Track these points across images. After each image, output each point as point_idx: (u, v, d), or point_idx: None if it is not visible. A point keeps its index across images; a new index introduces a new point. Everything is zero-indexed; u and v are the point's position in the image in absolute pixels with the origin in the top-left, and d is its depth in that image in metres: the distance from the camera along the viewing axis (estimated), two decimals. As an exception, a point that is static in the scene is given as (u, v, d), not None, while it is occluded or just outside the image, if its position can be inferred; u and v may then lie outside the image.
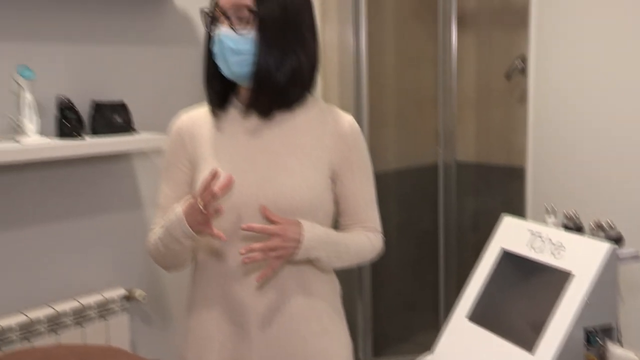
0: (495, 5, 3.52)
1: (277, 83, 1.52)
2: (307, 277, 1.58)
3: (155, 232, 1.60)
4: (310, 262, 1.56)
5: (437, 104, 3.50)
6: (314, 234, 1.50)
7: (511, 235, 1.95)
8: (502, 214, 2.04)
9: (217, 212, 1.44)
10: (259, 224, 1.46)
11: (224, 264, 1.56)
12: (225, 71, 1.53)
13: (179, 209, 1.48)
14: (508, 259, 1.93)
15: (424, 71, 3.56)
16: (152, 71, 2.39)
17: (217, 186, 1.41)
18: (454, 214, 3.54)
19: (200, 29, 2.50)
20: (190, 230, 1.46)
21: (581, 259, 1.71)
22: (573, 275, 1.69)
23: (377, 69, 3.24)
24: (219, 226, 1.51)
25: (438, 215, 3.38)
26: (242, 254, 1.45)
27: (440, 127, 3.26)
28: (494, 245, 1.98)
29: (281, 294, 1.55)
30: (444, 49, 3.29)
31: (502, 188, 3.59)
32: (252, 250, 1.44)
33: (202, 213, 1.42)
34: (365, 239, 1.62)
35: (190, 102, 2.46)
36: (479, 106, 3.62)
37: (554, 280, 1.73)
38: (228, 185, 1.44)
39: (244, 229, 1.45)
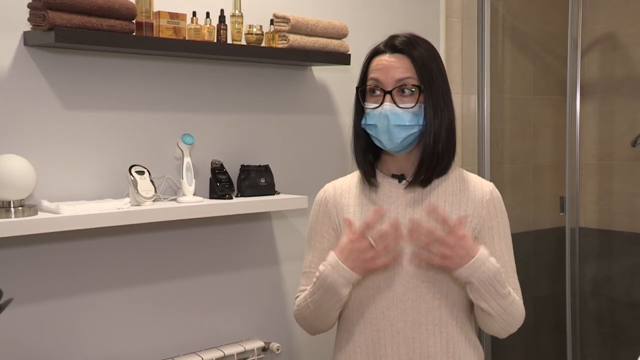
0: (617, 75, 3.56)
1: (441, 151, 1.56)
2: (454, 345, 1.58)
3: (303, 296, 1.63)
4: (459, 329, 1.57)
5: (558, 170, 3.54)
6: (488, 261, 1.47)
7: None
8: None
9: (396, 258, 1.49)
10: (430, 230, 1.46)
11: (373, 317, 1.58)
12: (388, 144, 1.55)
13: (332, 259, 1.50)
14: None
15: (542, 139, 3.62)
16: (293, 137, 2.57)
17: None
18: (578, 280, 3.52)
19: (336, 98, 2.66)
20: (352, 273, 1.48)
21: None
22: None
23: (497, 136, 3.33)
24: (367, 288, 1.55)
25: (565, 281, 3.36)
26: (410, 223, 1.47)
27: (566, 193, 3.29)
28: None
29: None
30: (569, 117, 3.35)
31: (625, 255, 3.56)
32: (419, 226, 1.45)
33: (371, 249, 1.46)
34: (519, 301, 1.58)
35: (326, 166, 2.63)
36: (601, 173, 3.63)
37: None
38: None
39: (413, 227, 1.47)
